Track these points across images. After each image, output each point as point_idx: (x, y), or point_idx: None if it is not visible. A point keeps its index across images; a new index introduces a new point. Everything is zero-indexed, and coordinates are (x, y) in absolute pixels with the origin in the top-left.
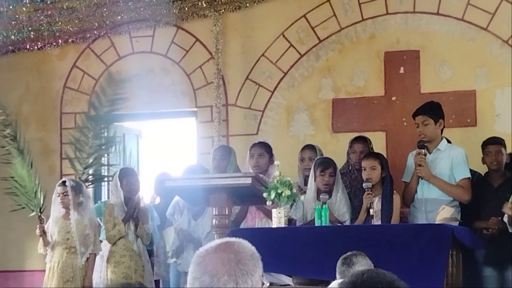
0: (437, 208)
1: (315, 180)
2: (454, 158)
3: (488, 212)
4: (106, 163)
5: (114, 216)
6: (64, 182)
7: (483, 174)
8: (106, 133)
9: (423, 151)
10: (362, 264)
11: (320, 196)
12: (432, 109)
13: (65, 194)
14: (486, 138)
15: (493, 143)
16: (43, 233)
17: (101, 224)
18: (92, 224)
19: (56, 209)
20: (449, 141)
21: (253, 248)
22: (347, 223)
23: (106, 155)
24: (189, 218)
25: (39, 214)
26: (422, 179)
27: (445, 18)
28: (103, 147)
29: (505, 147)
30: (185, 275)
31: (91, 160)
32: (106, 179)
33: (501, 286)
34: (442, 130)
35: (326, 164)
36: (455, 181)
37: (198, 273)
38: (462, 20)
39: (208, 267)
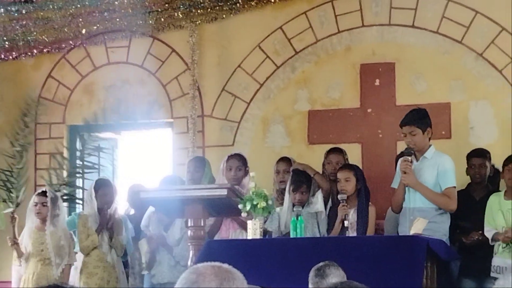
0: (423, 217)
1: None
2: (440, 166)
3: (469, 225)
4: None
5: (88, 227)
6: (44, 192)
7: (465, 186)
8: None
9: (409, 158)
10: (335, 275)
11: (294, 209)
12: (419, 118)
13: (44, 204)
14: (471, 150)
15: (477, 156)
16: (14, 243)
17: (74, 236)
18: (67, 235)
19: (31, 220)
20: None
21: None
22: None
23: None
24: (160, 230)
25: (13, 211)
26: (408, 187)
27: (420, 30)
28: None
29: (489, 160)
30: (160, 286)
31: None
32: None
33: None
34: (430, 138)
35: (298, 183)
36: (441, 189)
37: (187, 274)
38: (437, 32)
39: (198, 269)
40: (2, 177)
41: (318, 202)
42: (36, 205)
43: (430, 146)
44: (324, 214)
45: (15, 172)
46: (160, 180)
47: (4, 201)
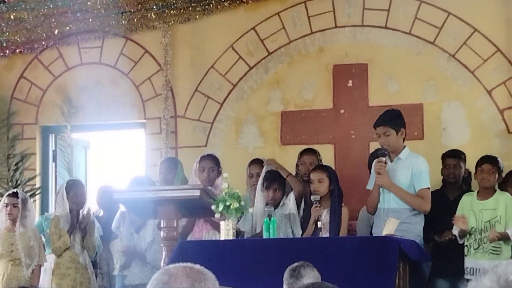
0: (396, 218)
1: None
2: (415, 168)
3: (442, 224)
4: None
5: (59, 228)
6: (16, 193)
7: (439, 186)
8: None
9: (383, 159)
10: (310, 276)
11: (265, 209)
12: (392, 119)
13: (15, 205)
14: (447, 150)
15: (452, 156)
16: None
17: (43, 239)
18: (36, 236)
19: (0, 221)
20: None
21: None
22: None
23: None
24: (132, 232)
25: None
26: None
27: (393, 32)
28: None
29: (464, 161)
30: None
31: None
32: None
33: None
34: (404, 139)
35: (271, 180)
36: (415, 190)
37: (159, 275)
38: (409, 34)
39: (170, 270)
40: None
41: (290, 203)
42: (7, 206)
43: (404, 147)
44: (297, 216)
45: None
46: (129, 181)
47: None
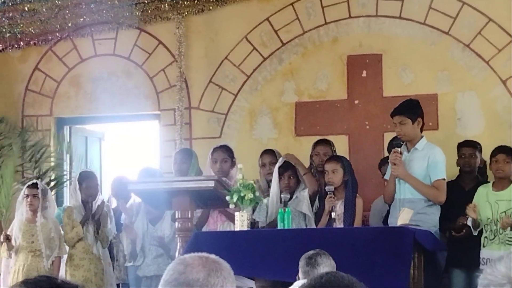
0: (411, 208)
1: (278, 183)
2: (431, 158)
3: (458, 214)
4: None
5: (72, 219)
6: (35, 184)
7: (455, 177)
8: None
9: (399, 149)
10: (327, 265)
11: (281, 196)
12: (409, 108)
13: (35, 196)
14: (462, 140)
15: (467, 146)
16: (7, 239)
17: (61, 230)
18: (57, 227)
19: (21, 212)
20: None
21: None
22: (309, 225)
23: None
24: (146, 222)
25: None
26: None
27: (407, 22)
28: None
29: (479, 151)
30: (146, 279)
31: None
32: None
33: (469, 287)
34: (422, 129)
35: (284, 167)
36: (431, 181)
37: (174, 265)
38: (424, 24)
39: (186, 260)
40: None
41: (304, 202)
42: (27, 197)
43: (422, 137)
44: (312, 219)
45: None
46: (138, 172)
47: None
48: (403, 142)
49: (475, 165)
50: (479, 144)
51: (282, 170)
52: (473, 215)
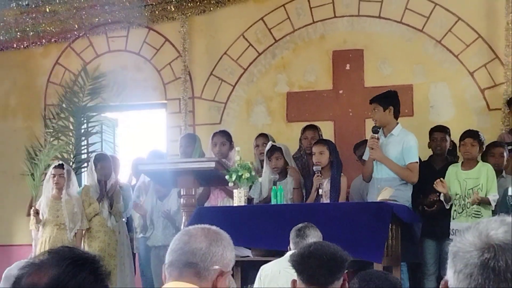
0: (388, 186)
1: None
2: (405, 143)
3: (429, 191)
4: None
5: (89, 196)
6: (61, 165)
7: (427, 158)
8: (86, 124)
9: (376, 135)
10: (314, 236)
11: (271, 176)
12: (382, 98)
13: (61, 175)
14: (434, 126)
15: (439, 131)
16: (36, 213)
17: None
18: (79, 203)
19: (48, 189)
20: None
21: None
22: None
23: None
24: (156, 198)
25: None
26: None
27: (386, 21)
28: (83, 137)
29: (449, 135)
30: (155, 249)
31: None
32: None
33: (438, 256)
34: (397, 117)
35: (272, 150)
36: (405, 163)
37: (180, 235)
38: (400, 22)
39: (190, 231)
40: (31, 153)
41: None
42: (54, 177)
43: (397, 124)
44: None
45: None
46: (148, 154)
47: (32, 174)
48: (379, 129)
49: (445, 148)
50: (448, 129)
51: (269, 154)
52: (442, 190)
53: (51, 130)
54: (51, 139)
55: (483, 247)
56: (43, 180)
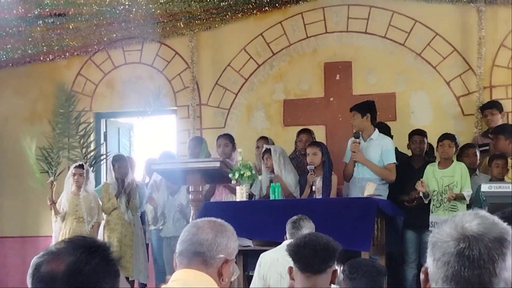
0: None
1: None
2: (384, 146)
3: (410, 188)
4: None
5: (109, 192)
6: (81, 165)
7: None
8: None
9: (357, 140)
10: (308, 227)
11: (267, 175)
12: (360, 106)
13: (81, 174)
14: (413, 129)
15: (417, 134)
16: (52, 202)
17: (99, 201)
18: (96, 199)
19: (68, 187)
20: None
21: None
22: (297, 192)
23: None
24: (167, 194)
25: (53, 180)
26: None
27: (371, 36)
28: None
29: (426, 138)
30: (167, 239)
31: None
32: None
33: (418, 245)
34: (375, 123)
35: (265, 151)
36: (384, 164)
37: (189, 227)
38: (385, 37)
39: (198, 223)
40: (44, 154)
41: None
42: (74, 175)
43: (375, 129)
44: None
45: (54, 149)
46: (160, 154)
47: (46, 172)
48: (360, 134)
49: (423, 149)
50: (426, 132)
51: (263, 154)
52: (422, 189)
53: (58, 132)
54: (59, 143)
55: (459, 237)
56: (57, 175)
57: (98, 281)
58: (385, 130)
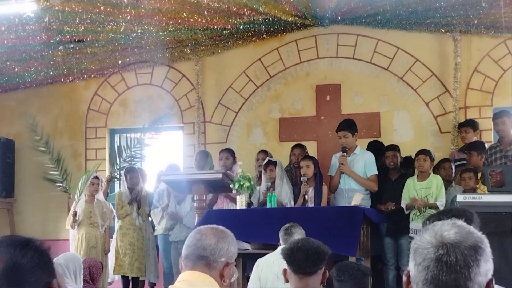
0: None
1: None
2: (367, 160)
3: (386, 198)
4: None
5: (122, 200)
6: (97, 177)
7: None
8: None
9: (345, 154)
10: (299, 233)
11: (266, 184)
12: (349, 126)
13: (98, 184)
14: (386, 145)
15: (390, 149)
16: (75, 214)
17: (113, 208)
18: (107, 205)
19: (84, 195)
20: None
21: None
22: (289, 205)
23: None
24: (175, 203)
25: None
26: (343, 174)
27: (358, 61)
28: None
29: (399, 151)
30: (174, 243)
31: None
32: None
33: (396, 250)
34: (355, 140)
35: (267, 163)
36: (367, 176)
37: (193, 233)
38: (370, 62)
39: (201, 229)
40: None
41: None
42: (93, 185)
43: (357, 146)
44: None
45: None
46: (167, 166)
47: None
48: (347, 149)
49: (397, 162)
50: (398, 146)
51: (265, 166)
52: (420, 206)
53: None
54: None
55: (438, 245)
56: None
57: (37, 271)
58: (381, 146)
